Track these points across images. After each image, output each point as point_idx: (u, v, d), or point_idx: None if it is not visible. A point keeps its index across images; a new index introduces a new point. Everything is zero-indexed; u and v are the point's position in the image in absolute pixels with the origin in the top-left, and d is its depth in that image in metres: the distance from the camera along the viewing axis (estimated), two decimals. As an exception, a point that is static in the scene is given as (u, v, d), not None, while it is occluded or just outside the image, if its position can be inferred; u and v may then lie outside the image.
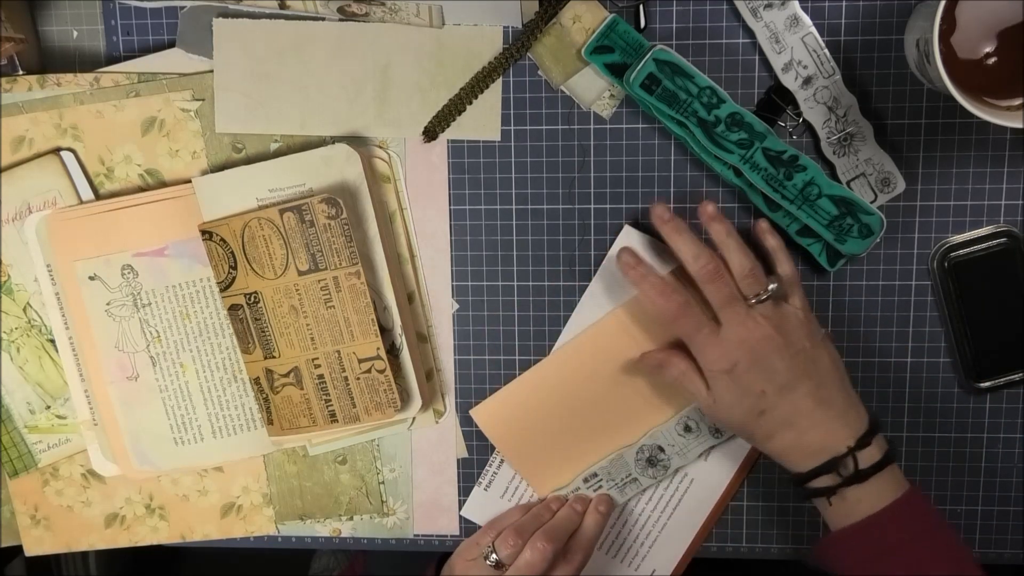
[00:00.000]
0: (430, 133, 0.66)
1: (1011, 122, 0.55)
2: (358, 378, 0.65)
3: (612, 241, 0.67)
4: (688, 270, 0.59)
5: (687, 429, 0.67)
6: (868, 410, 0.60)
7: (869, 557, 0.57)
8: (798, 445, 0.58)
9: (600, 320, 0.67)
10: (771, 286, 0.59)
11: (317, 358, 0.65)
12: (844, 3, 0.63)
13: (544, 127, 0.67)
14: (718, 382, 0.59)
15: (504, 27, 0.65)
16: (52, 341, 0.70)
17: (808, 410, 0.58)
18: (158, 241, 0.68)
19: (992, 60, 0.57)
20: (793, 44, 0.63)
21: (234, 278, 0.65)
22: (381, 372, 0.64)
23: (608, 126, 0.66)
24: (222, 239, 0.64)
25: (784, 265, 0.61)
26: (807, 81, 0.63)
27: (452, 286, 0.69)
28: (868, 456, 0.57)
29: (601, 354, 0.67)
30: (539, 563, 0.62)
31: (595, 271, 0.67)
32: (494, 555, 0.63)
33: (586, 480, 0.68)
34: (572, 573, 0.64)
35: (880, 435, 0.59)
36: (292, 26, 0.66)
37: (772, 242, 0.61)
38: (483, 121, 0.67)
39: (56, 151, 0.68)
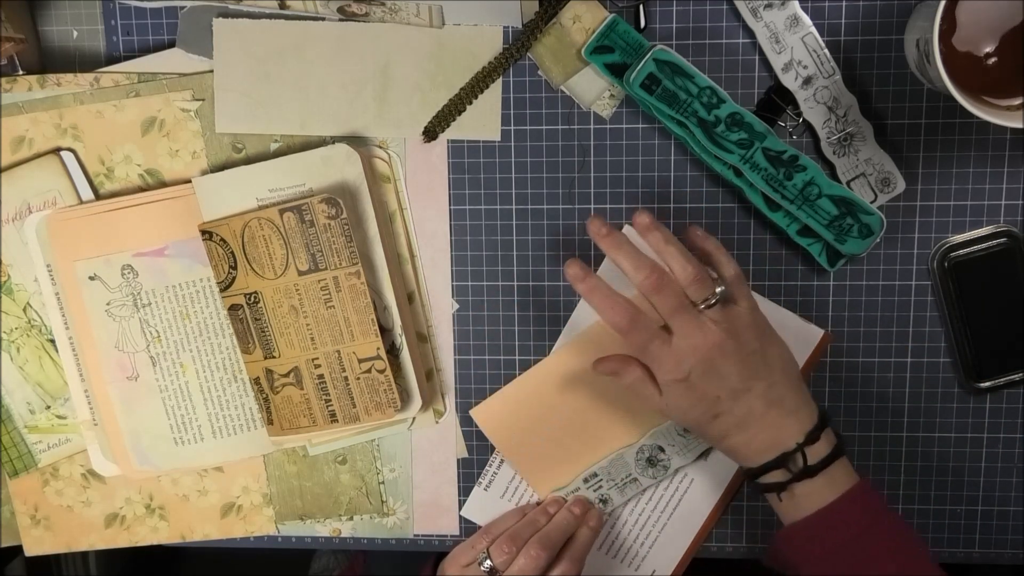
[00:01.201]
0: (430, 133, 0.66)
1: (1011, 122, 0.55)
2: (358, 378, 0.65)
3: (612, 241, 0.67)
4: (632, 283, 0.59)
5: (687, 429, 0.67)
6: (818, 404, 0.60)
7: (819, 552, 0.57)
8: (750, 443, 0.59)
9: (598, 321, 0.67)
10: (718, 289, 0.58)
11: (317, 358, 0.65)
12: (844, 3, 0.63)
13: (544, 127, 0.67)
14: (673, 390, 0.59)
15: (504, 27, 0.65)
16: (52, 341, 0.70)
17: (761, 411, 0.58)
18: (158, 241, 0.68)
19: (992, 60, 0.57)
20: (793, 44, 0.63)
21: (234, 278, 0.65)
22: (381, 372, 0.64)
23: (608, 126, 0.66)
24: (222, 239, 0.64)
25: (727, 267, 0.60)
26: (807, 81, 0.63)
27: (452, 286, 0.69)
28: (816, 451, 0.57)
29: (601, 353, 0.67)
30: (532, 570, 0.62)
31: (595, 271, 0.67)
32: (488, 561, 0.63)
33: (586, 480, 0.68)
34: None
35: (829, 429, 0.59)
36: (292, 26, 0.66)
37: (710, 245, 0.61)
38: (483, 121, 0.67)
39: (56, 151, 0.68)
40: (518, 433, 0.69)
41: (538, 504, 0.69)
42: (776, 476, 0.58)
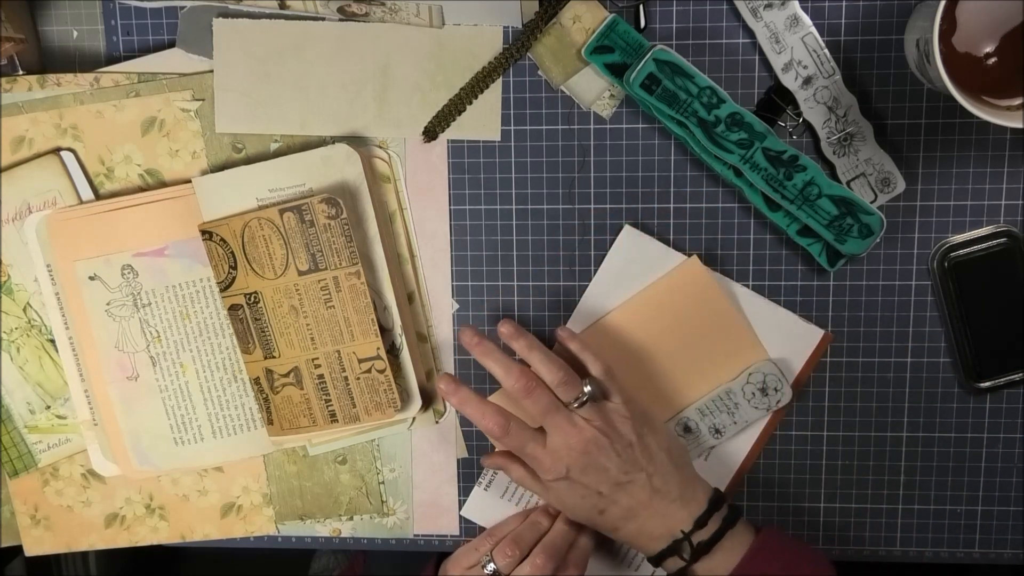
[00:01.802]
0: (430, 133, 0.66)
1: (1011, 122, 0.55)
2: (358, 378, 0.65)
3: (612, 241, 0.67)
4: (504, 388, 0.62)
5: (687, 430, 0.67)
6: (708, 487, 0.62)
7: None
8: (641, 533, 0.61)
9: (598, 321, 0.67)
10: (586, 388, 0.60)
11: (317, 358, 0.65)
12: (844, 3, 0.63)
13: (544, 127, 0.67)
14: (555, 488, 0.61)
15: (504, 27, 0.65)
16: (52, 341, 0.70)
17: (645, 500, 0.60)
18: (158, 241, 0.68)
19: (992, 60, 0.57)
20: (793, 44, 0.63)
21: (234, 278, 0.65)
22: (381, 372, 0.64)
23: (608, 126, 0.66)
24: (222, 239, 0.64)
25: (593, 366, 0.62)
26: (807, 81, 0.63)
27: (452, 286, 0.69)
28: (706, 531, 0.59)
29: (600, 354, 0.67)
30: None
31: (595, 271, 0.67)
32: (492, 564, 0.63)
33: (586, 480, 0.68)
34: None
35: (723, 507, 0.60)
36: (292, 26, 0.66)
37: (574, 346, 0.63)
38: (483, 121, 0.67)
39: (56, 151, 0.68)
40: (518, 433, 0.69)
41: (538, 506, 0.69)
42: (673, 563, 0.60)
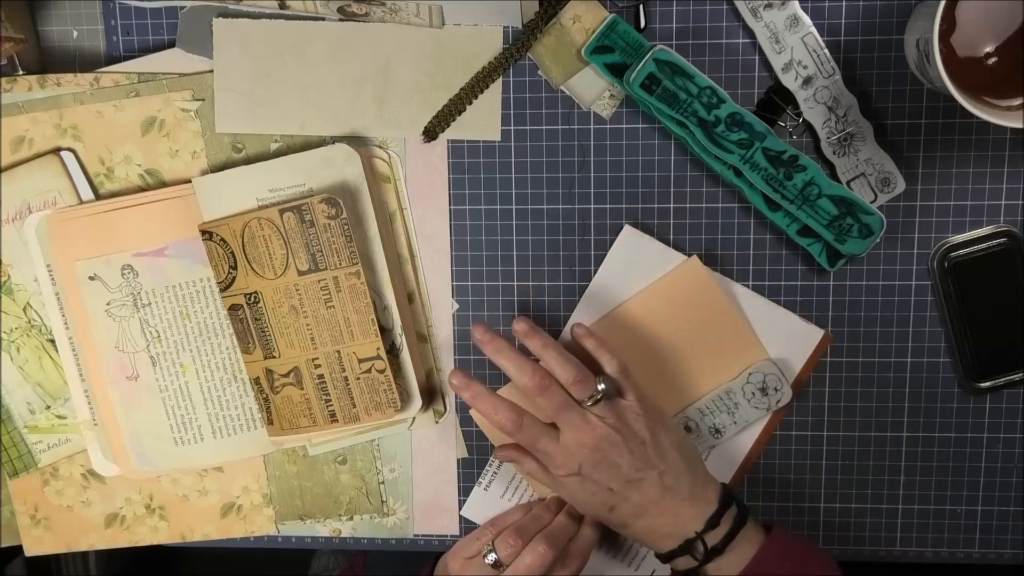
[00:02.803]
0: (430, 133, 0.66)
1: (1011, 122, 0.55)
2: (358, 378, 0.65)
3: (612, 241, 0.67)
4: (518, 386, 0.61)
5: (687, 429, 0.67)
6: (718, 486, 0.62)
7: None
8: (651, 531, 0.61)
9: (598, 321, 0.67)
10: (600, 386, 0.60)
11: (317, 358, 0.65)
12: (844, 3, 0.63)
13: (544, 127, 0.67)
14: (567, 483, 0.61)
15: (504, 27, 0.65)
16: (52, 341, 0.70)
17: (656, 498, 0.60)
18: (158, 241, 0.68)
19: (992, 60, 0.57)
20: (793, 44, 0.63)
21: (234, 278, 0.65)
22: (381, 372, 0.64)
23: (608, 126, 0.66)
24: (222, 239, 0.64)
25: (608, 364, 0.62)
26: (807, 81, 0.63)
27: (452, 286, 0.69)
28: (718, 533, 0.59)
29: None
30: (538, 567, 0.62)
31: (595, 271, 0.67)
32: (493, 554, 0.63)
33: (586, 480, 0.68)
34: None
35: (732, 507, 0.60)
36: (292, 26, 0.66)
37: (590, 344, 0.63)
38: (483, 121, 0.67)
39: (56, 151, 0.68)
40: (518, 433, 0.69)
41: (541, 500, 0.69)
42: (684, 562, 0.60)
